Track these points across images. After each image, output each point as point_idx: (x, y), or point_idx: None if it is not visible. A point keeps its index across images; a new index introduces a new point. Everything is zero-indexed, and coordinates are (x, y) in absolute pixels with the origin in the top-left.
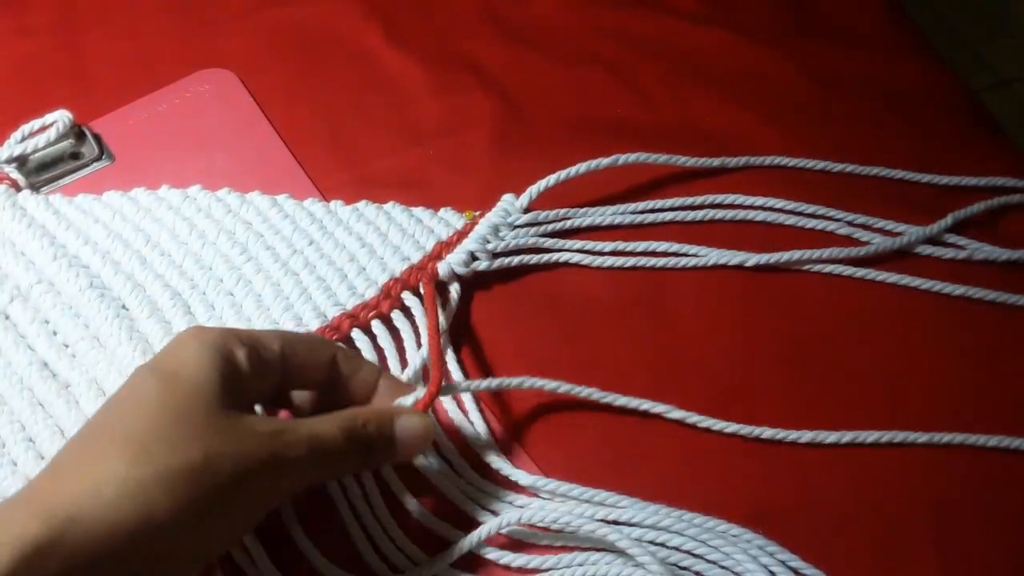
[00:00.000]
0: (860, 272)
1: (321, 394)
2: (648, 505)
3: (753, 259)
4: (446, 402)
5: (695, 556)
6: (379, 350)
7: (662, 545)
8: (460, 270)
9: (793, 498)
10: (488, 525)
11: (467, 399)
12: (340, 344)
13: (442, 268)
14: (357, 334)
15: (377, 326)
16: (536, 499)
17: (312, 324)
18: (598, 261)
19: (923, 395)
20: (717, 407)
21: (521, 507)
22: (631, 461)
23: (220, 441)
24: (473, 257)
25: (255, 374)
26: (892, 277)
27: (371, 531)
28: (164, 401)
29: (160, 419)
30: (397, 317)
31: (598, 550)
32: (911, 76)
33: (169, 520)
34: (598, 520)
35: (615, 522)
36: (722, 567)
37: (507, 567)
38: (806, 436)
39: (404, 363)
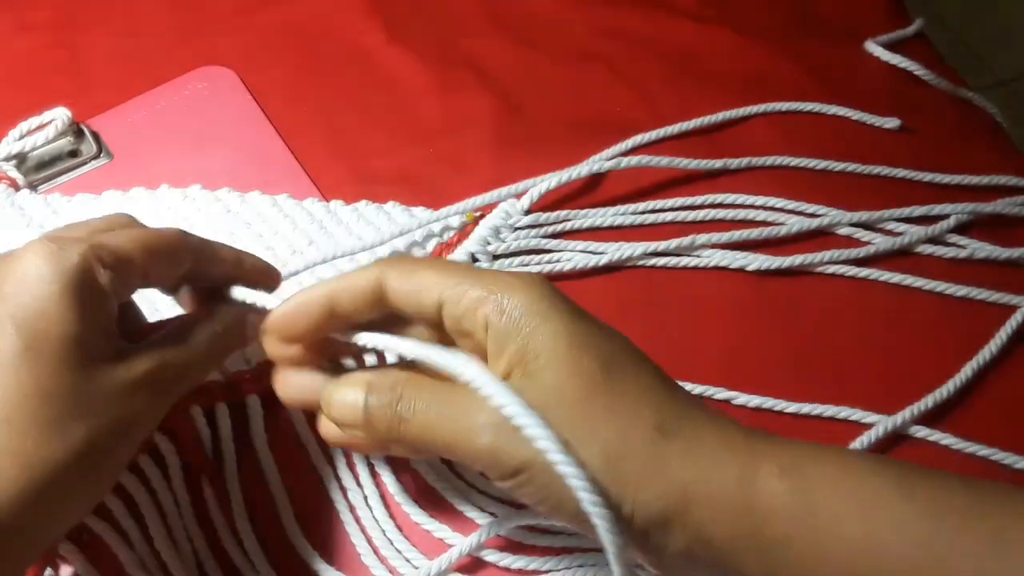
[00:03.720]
0: (861, 272)
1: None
2: None
3: (755, 263)
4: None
5: None
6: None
7: None
8: None
9: None
10: (487, 527)
11: None
12: (199, 238)
13: None
14: None
15: None
16: None
17: None
18: (594, 261)
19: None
20: (716, 409)
21: (520, 509)
22: None
23: (77, 415)
24: (473, 259)
25: (115, 296)
26: (894, 277)
27: (370, 534)
28: (24, 384)
29: (24, 408)
30: None
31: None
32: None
33: (17, 504)
34: None
35: None
36: None
37: (507, 569)
38: None
39: None
